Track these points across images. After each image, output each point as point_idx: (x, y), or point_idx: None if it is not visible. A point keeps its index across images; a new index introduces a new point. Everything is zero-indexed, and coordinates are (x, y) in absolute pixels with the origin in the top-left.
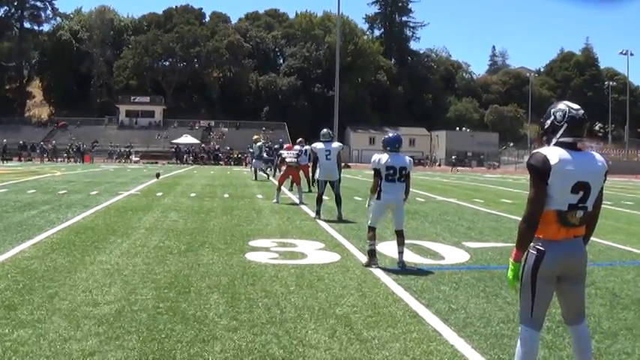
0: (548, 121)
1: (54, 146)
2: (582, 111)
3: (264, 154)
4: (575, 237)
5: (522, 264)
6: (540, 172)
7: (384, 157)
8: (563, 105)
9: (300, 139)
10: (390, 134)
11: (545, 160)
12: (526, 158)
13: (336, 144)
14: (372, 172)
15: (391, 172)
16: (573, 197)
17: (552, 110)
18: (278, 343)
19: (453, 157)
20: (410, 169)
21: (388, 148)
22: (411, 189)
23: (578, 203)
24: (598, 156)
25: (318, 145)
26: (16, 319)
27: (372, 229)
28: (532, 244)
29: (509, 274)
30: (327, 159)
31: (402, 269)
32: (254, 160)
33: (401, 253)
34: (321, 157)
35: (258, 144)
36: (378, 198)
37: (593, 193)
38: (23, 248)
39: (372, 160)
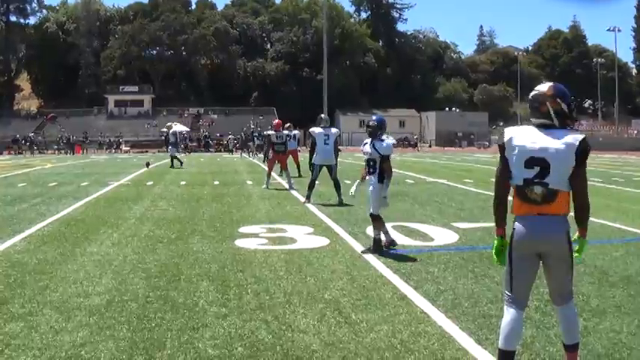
0: None
1: (44, 138)
2: (538, 90)
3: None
4: (539, 214)
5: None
6: (499, 147)
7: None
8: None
9: (288, 124)
10: (374, 117)
11: (501, 135)
12: None
13: (334, 130)
14: (363, 155)
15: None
16: (528, 172)
17: None
18: (267, 329)
19: (415, 136)
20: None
21: (379, 133)
22: (398, 171)
23: (534, 179)
24: (572, 136)
25: (317, 130)
26: (7, 312)
27: (377, 217)
28: None
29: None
30: (325, 144)
31: (385, 251)
32: (170, 147)
33: (386, 232)
34: (319, 142)
35: (172, 131)
36: (381, 182)
37: (554, 171)
38: (14, 242)
39: (386, 145)
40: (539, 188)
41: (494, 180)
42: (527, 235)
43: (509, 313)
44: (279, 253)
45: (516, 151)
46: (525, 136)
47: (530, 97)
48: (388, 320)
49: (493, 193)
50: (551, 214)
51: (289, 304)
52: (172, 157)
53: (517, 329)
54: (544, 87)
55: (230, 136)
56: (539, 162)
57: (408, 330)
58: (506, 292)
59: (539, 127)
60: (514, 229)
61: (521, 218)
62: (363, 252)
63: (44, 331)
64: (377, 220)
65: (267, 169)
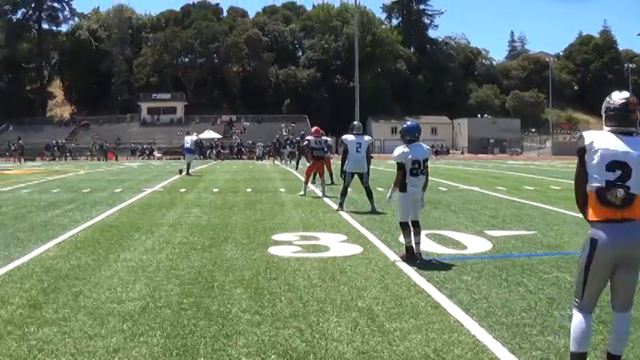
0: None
1: (77, 145)
2: (624, 99)
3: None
4: (623, 219)
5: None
6: (578, 150)
7: (409, 151)
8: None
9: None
10: (409, 123)
11: (580, 139)
12: (549, 144)
13: (367, 137)
14: (395, 163)
15: (416, 165)
16: (609, 175)
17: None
18: (300, 337)
19: (443, 143)
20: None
21: (407, 138)
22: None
23: (616, 181)
24: None
25: (349, 137)
26: (41, 317)
27: (404, 225)
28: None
29: None
30: (357, 151)
31: (420, 260)
32: (190, 154)
33: (417, 243)
34: (352, 150)
35: (194, 139)
36: (404, 190)
37: (635, 175)
38: (48, 247)
39: (398, 153)
40: (620, 191)
41: (573, 183)
42: (613, 242)
43: (577, 317)
44: (313, 261)
45: (598, 154)
46: (606, 141)
47: (613, 105)
48: (422, 329)
49: (574, 197)
50: (635, 219)
51: (323, 312)
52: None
53: (586, 332)
54: (625, 95)
55: (259, 144)
56: (621, 166)
57: (442, 339)
58: (576, 299)
59: (620, 133)
60: (594, 237)
61: (603, 224)
62: (397, 260)
63: (77, 336)
64: (403, 228)
65: (303, 176)
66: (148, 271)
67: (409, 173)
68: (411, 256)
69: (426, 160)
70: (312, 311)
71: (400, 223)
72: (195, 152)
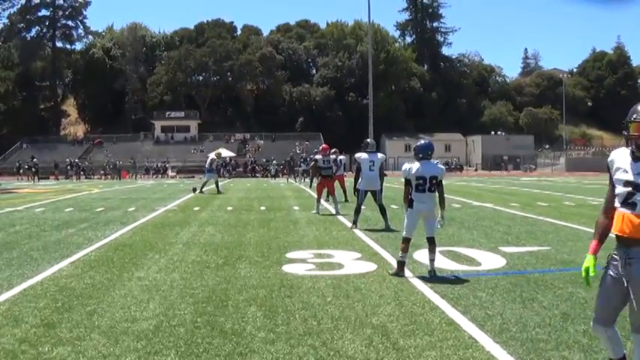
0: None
1: (91, 164)
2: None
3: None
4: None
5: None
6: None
7: (414, 167)
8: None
9: (334, 149)
10: (422, 141)
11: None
12: (562, 160)
13: (380, 155)
14: (404, 180)
15: (421, 181)
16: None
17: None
18: (315, 355)
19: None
20: (441, 177)
21: (420, 156)
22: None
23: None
24: None
25: (363, 156)
26: (55, 337)
27: (406, 240)
28: None
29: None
30: (370, 170)
31: (434, 277)
32: (208, 173)
33: (432, 260)
34: (365, 168)
35: (212, 157)
36: (410, 207)
37: None
38: (62, 267)
39: (403, 169)
40: None
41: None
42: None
43: (596, 332)
44: (327, 279)
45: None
46: (618, 158)
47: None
48: (436, 346)
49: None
50: None
51: (337, 329)
52: (215, 183)
53: (617, 340)
54: None
55: (273, 162)
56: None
57: (456, 355)
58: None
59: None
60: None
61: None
62: (409, 277)
63: (92, 355)
64: (403, 242)
65: (315, 194)
66: (161, 289)
67: (415, 189)
68: (400, 272)
69: (434, 178)
70: (327, 329)
71: (403, 237)
72: (212, 171)
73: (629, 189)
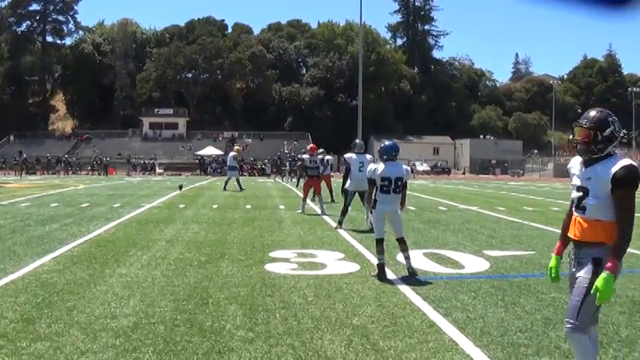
0: (608, 130)
1: (78, 159)
2: None
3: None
4: None
5: (595, 274)
6: None
7: (379, 168)
8: (613, 115)
9: (321, 149)
10: (387, 142)
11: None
12: (550, 166)
13: (368, 156)
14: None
15: (386, 182)
16: None
17: (609, 119)
18: (294, 354)
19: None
20: (407, 179)
21: (385, 157)
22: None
23: None
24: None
25: (352, 156)
26: (34, 332)
27: (379, 241)
28: (599, 254)
29: (609, 287)
30: (359, 170)
31: (416, 278)
32: (230, 171)
33: (407, 258)
34: (354, 169)
35: (233, 154)
36: (374, 208)
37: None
38: (44, 262)
39: (368, 169)
40: None
41: (631, 217)
42: None
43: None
44: (309, 279)
45: None
46: None
47: (620, 127)
48: (416, 348)
49: (630, 232)
50: None
51: (317, 329)
52: (237, 180)
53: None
54: None
55: (266, 161)
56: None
57: (436, 358)
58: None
59: None
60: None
61: None
62: (374, 275)
63: (70, 351)
64: (376, 244)
65: (301, 193)
66: (142, 286)
67: (379, 190)
68: (381, 274)
69: (399, 179)
70: (306, 329)
71: (376, 239)
72: (235, 169)
73: (580, 194)
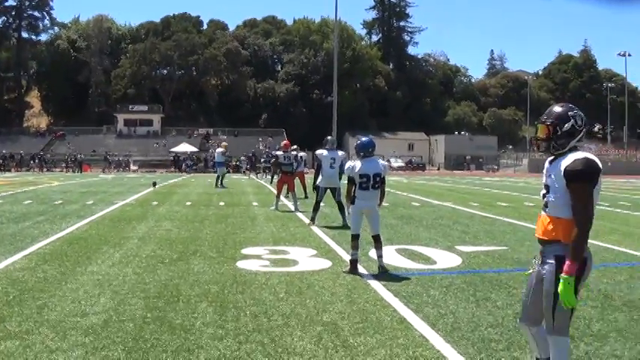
0: (568, 125)
1: (53, 156)
2: None
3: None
4: None
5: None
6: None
7: (357, 165)
8: (576, 109)
9: (294, 146)
10: (363, 139)
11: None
12: (525, 161)
13: (340, 152)
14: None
15: (364, 179)
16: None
17: (570, 113)
18: (263, 351)
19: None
20: (385, 175)
21: (362, 154)
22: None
23: None
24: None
25: (323, 153)
26: (4, 330)
27: (354, 237)
28: (561, 252)
29: (570, 291)
30: (331, 167)
31: (386, 274)
32: (220, 167)
33: (380, 257)
34: (325, 165)
35: (221, 150)
36: (353, 203)
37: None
38: (15, 259)
39: (346, 167)
40: None
41: (587, 213)
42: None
43: (568, 343)
44: (280, 275)
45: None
46: None
47: (584, 120)
48: (386, 344)
49: (585, 228)
50: None
51: (287, 326)
52: (221, 176)
53: (542, 339)
54: None
55: (243, 158)
56: None
57: (406, 354)
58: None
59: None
60: (586, 259)
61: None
62: (345, 271)
63: (39, 350)
64: (352, 240)
65: (275, 190)
66: (113, 284)
67: (358, 187)
68: (354, 270)
69: (377, 175)
70: (276, 326)
71: (351, 234)
72: (223, 164)
73: (544, 191)
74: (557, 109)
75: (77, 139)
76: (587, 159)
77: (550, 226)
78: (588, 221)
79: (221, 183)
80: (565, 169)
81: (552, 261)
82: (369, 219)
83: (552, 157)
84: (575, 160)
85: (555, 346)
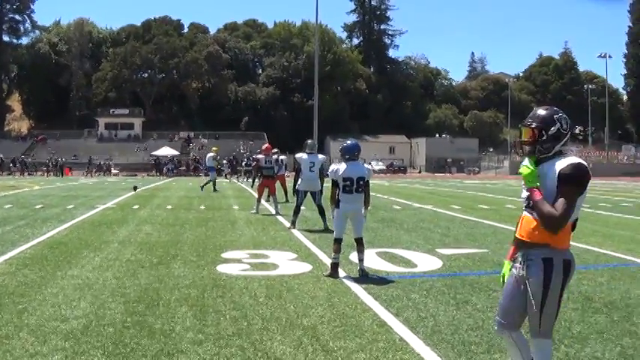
0: (553, 128)
1: (34, 160)
2: None
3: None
4: None
5: (548, 275)
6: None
7: (341, 168)
8: (561, 112)
9: (275, 149)
10: (348, 142)
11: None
12: (506, 163)
13: (320, 156)
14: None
15: (348, 183)
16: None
17: (555, 117)
18: (243, 355)
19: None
20: (369, 178)
21: (347, 157)
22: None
23: None
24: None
25: (303, 156)
26: None
27: (337, 241)
28: (549, 255)
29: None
30: (310, 170)
31: (367, 277)
32: (211, 173)
33: (361, 260)
34: (305, 169)
35: (211, 154)
36: (337, 207)
37: None
38: None
39: (330, 170)
40: None
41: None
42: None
43: (550, 345)
44: (261, 279)
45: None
46: None
47: (569, 124)
48: (366, 348)
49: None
50: None
51: (267, 330)
52: (213, 181)
53: (523, 344)
54: None
55: (224, 162)
56: None
57: (386, 358)
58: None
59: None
60: (569, 262)
61: (568, 252)
62: (326, 274)
63: (19, 355)
64: (334, 243)
65: (255, 194)
66: (93, 288)
67: (342, 190)
68: (334, 273)
69: (361, 179)
70: (256, 330)
71: (334, 238)
72: (213, 169)
73: (527, 193)
74: (542, 112)
75: (58, 142)
76: (581, 164)
77: (537, 230)
78: (561, 220)
79: (206, 186)
80: (560, 173)
81: (540, 264)
82: (353, 222)
83: (536, 160)
84: (571, 164)
85: (539, 349)
